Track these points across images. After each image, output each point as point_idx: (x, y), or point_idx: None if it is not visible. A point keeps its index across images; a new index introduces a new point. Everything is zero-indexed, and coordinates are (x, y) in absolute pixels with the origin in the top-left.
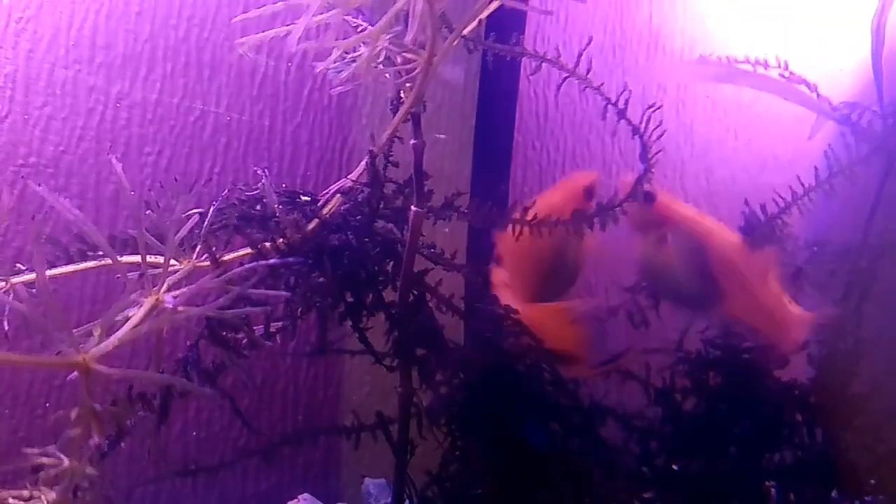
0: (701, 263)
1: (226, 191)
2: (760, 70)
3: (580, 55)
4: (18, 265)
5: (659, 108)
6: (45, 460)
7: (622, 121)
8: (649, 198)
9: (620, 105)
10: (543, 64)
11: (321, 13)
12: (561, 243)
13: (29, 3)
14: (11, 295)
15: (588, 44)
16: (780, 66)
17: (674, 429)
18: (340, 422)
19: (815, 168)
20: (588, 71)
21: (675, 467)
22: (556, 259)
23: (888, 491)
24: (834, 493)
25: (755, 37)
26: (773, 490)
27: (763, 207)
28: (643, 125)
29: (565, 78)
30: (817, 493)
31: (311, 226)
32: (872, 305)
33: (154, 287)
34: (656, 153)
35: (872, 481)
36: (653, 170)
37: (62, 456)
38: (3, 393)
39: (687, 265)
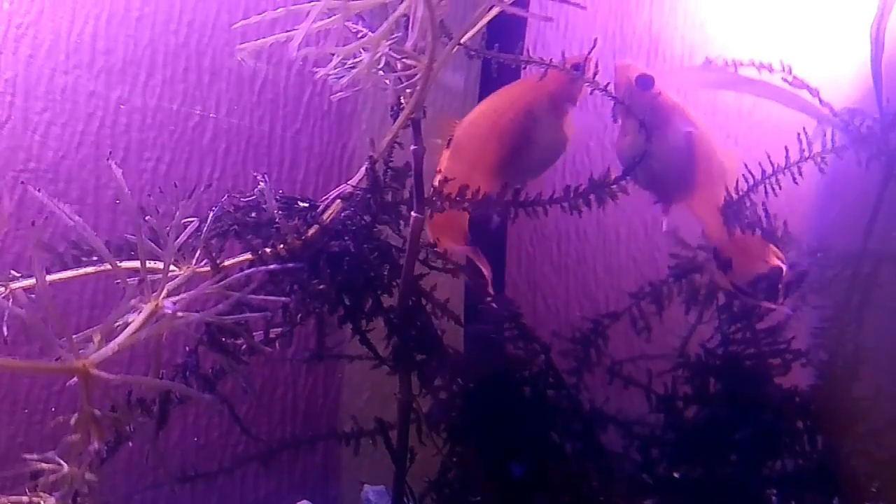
0: (684, 157)
1: (225, 196)
2: (763, 75)
3: (586, 59)
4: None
5: (660, 94)
6: (44, 466)
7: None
8: (647, 83)
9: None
10: (547, 71)
11: (321, 19)
12: (529, 123)
13: (29, 8)
14: (11, 300)
15: (593, 47)
16: (783, 70)
17: (674, 435)
18: (339, 428)
19: (786, 148)
20: (595, 74)
21: (675, 474)
22: (523, 139)
23: (889, 498)
24: (835, 501)
25: (755, 43)
26: (774, 497)
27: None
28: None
29: (571, 79)
30: (818, 500)
31: (311, 231)
32: (873, 311)
33: (153, 292)
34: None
35: (874, 488)
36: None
37: (61, 462)
38: (3, 398)
39: (670, 155)
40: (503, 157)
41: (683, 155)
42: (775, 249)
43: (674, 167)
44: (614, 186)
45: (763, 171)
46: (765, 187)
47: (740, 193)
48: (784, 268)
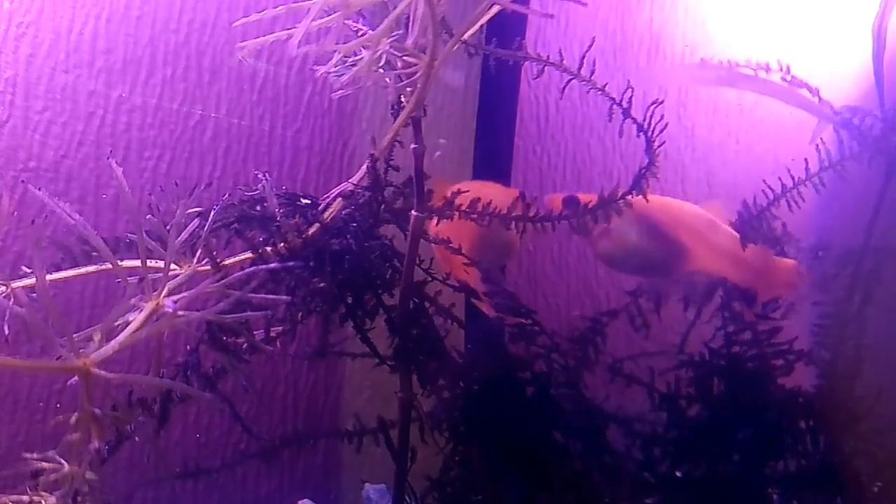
0: (654, 233)
1: (226, 194)
2: (762, 74)
3: (583, 57)
4: (23, 268)
5: (661, 102)
6: (44, 465)
7: (624, 121)
8: (573, 203)
9: (624, 104)
10: (544, 68)
11: (322, 17)
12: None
13: (30, 7)
14: (12, 299)
15: (591, 46)
16: (781, 70)
17: (677, 434)
18: (341, 427)
19: (805, 160)
20: (592, 73)
21: (678, 473)
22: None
23: (892, 498)
24: (838, 500)
25: (756, 40)
26: (775, 497)
27: (755, 200)
28: (647, 121)
29: (569, 80)
30: (820, 499)
31: (311, 230)
32: (875, 309)
33: (154, 291)
34: (660, 145)
35: (876, 488)
36: (657, 164)
37: (62, 461)
38: (4, 397)
39: (643, 241)
40: (483, 234)
41: (649, 235)
42: (798, 270)
43: (649, 248)
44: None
45: (783, 186)
46: (787, 202)
47: (760, 208)
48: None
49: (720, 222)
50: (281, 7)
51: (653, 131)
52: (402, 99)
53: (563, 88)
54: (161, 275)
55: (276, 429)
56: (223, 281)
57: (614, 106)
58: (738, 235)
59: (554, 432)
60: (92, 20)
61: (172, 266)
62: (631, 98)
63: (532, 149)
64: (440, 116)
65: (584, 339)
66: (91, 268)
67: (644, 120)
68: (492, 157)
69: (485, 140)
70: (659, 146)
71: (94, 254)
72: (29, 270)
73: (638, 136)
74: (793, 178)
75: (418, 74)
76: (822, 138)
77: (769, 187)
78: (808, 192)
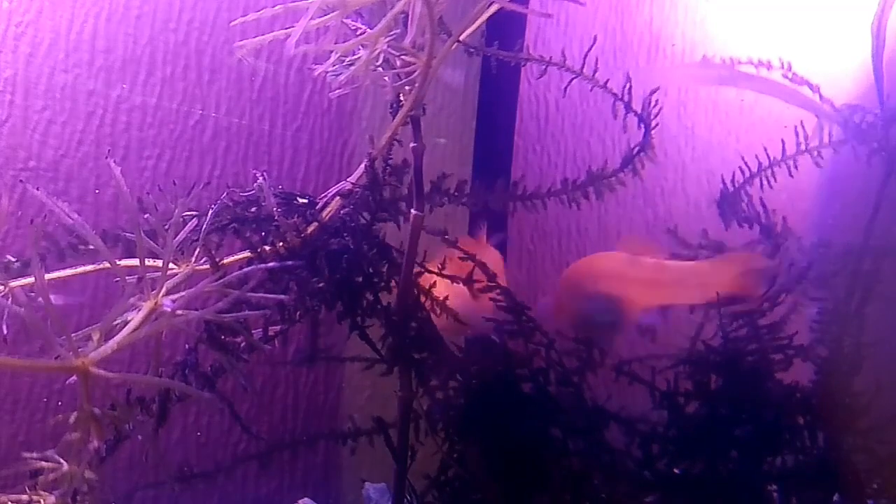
0: (589, 291)
1: (225, 193)
2: (762, 72)
3: (585, 56)
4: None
5: (658, 90)
6: (44, 464)
7: (626, 116)
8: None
9: (625, 100)
10: (546, 68)
11: (320, 16)
12: None
13: (29, 7)
14: (10, 299)
15: (592, 45)
16: (782, 68)
17: (675, 432)
18: (340, 427)
19: (782, 141)
20: (594, 72)
21: (676, 471)
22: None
23: (890, 494)
24: (836, 497)
25: (756, 40)
26: (775, 494)
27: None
28: (644, 109)
29: (572, 79)
30: (820, 496)
31: (310, 229)
32: (875, 307)
33: (153, 291)
34: (655, 126)
35: (875, 485)
36: (652, 146)
37: (61, 460)
38: (4, 397)
39: (587, 304)
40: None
41: (608, 301)
42: (752, 259)
43: (597, 304)
44: (612, 179)
45: (759, 164)
46: (760, 181)
47: (736, 186)
48: (768, 265)
49: (640, 255)
50: (280, 6)
51: (649, 115)
52: (401, 98)
53: (565, 88)
54: (159, 274)
55: (276, 429)
56: (222, 280)
57: (616, 103)
58: (666, 261)
59: (553, 430)
60: (91, 19)
61: (171, 265)
62: (630, 92)
63: (532, 148)
64: (440, 116)
65: (588, 341)
66: (90, 267)
67: (642, 111)
68: (491, 156)
69: (484, 139)
70: (654, 127)
71: (81, 247)
72: (13, 259)
73: (639, 128)
74: (769, 157)
75: (416, 73)
76: (801, 121)
77: (747, 164)
78: (810, 191)
